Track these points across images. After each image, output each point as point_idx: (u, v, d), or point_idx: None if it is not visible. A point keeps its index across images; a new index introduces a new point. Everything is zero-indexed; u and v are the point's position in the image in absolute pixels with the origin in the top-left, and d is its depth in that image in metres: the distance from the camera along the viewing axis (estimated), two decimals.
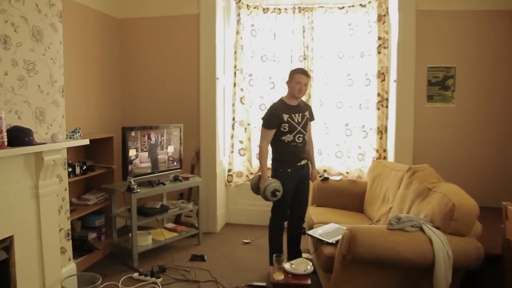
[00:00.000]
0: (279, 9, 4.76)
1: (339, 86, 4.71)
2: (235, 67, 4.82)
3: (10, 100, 2.55)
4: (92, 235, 3.85)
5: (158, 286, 3.30)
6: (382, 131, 4.53)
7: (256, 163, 4.81)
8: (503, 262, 2.72)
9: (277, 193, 3.25)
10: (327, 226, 3.24)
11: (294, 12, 4.70)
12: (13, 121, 2.54)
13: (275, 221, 3.49)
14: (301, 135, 3.39)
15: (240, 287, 3.31)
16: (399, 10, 4.26)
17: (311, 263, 2.71)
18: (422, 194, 2.90)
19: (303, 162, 3.46)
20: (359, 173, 4.66)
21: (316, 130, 4.64)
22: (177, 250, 4.10)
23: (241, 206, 5.02)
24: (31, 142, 2.46)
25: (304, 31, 4.66)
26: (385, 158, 4.52)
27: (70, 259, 3.25)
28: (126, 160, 3.72)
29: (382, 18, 4.45)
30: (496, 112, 4.26)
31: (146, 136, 3.90)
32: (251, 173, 4.94)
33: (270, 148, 3.48)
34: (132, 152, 3.74)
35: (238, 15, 4.78)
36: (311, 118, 3.56)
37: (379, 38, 4.46)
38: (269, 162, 3.53)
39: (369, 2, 4.50)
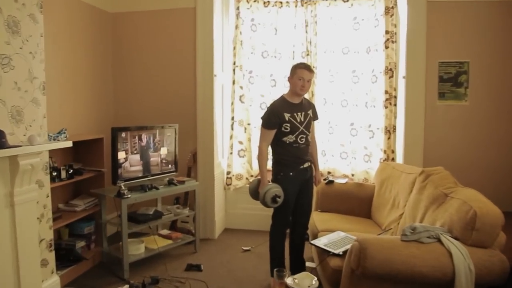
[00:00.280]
0: (281, 2, 4.55)
1: (344, 84, 4.49)
2: (234, 63, 4.61)
3: None
4: (80, 244, 3.60)
5: None
6: (390, 131, 4.28)
7: (256, 165, 4.55)
8: None
9: (278, 199, 2.99)
10: (332, 235, 2.99)
11: (296, 6, 4.49)
12: None
13: (276, 229, 3.23)
14: (304, 136, 3.13)
15: None
16: (408, 2, 4.03)
17: (316, 278, 2.45)
18: (438, 200, 2.66)
19: (306, 165, 3.20)
20: (365, 175, 4.42)
21: (320, 130, 4.47)
22: (172, 259, 3.85)
23: (241, 211, 4.78)
24: (3, 145, 2.21)
25: (307, 26, 4.45)
26: (393, 159, 4.28)
27: (53, 272, 3.00)
28: (116, 163, 3.47)
29: (389, 10, 4.22)
30: None
31: (136, 137, 3.64)
32: (251, 176, 4.70)
33: (270, 150, 3.23)
34: (121, 155, 3.49)
35: (237, 8, 4.58)
36: (315, 117, 3.31)
37: (387, 32, 4.23)
38: (269, 164, 3.29)
39: None
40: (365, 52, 4.38)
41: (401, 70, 4.19)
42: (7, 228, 2.37)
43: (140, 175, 3.69)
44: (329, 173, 4.54)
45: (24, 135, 2.62)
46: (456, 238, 2.28)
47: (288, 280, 2.49)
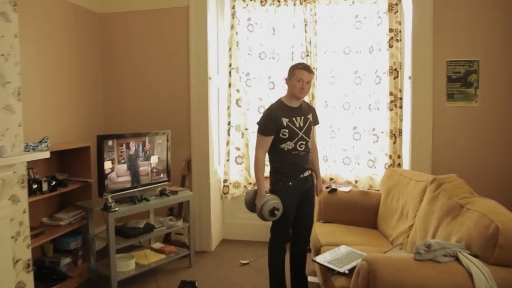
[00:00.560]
0: (279, 0, 4.33)
1: (346, 85, 4.27)
2: (230, 65, 4.39)
3: None
4: (65, 260, 3.34)
5: None
6: (395, 135, 4.04)
7: None
8: None
9: (276, 212, 2.75)
10: (337, 250, 2.75)
11: (295, 4, 4.28)
12: None
13: (275, 243, 2.99)
14: (304, 142, 2.89)
15: None
16: None
17: None
18: (452, 211, 2.42)
19: (306, 174, 2.96)
20: (370, 181, 4.18)
21: (321, 135, 4.26)
22: (164, 274, 3.60)
23: (239, 220, 4.54)
24: None
25: (306, 25, 4.24)
26: (399, 165, 4.04)
27: None
28: (102, 174, 3.23)
29: (393, 7, 4.00)
30: None
31: (124, 146, 3.40)
32: (250, 184, 4.46)
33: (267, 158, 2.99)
34: (107, 165, 3.25)
35: (233, 7, 4.37)
36: (315, 121, 3.08)
37: (391, 30, 4.00)
38: (267, 170, 3.04)
39: None
40: (367, 51, 4.17)
41: (407, 70, 3.96)
42: None
43: (128, 186, 3.44)
44: (331, 179, 4.31)
45: None
46: (475, 256, 2.04)
47: None
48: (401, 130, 4.04)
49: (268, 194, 2.85)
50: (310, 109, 3.07)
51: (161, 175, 3.77)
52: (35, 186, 3.00)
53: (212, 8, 4.24)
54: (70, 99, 3.89)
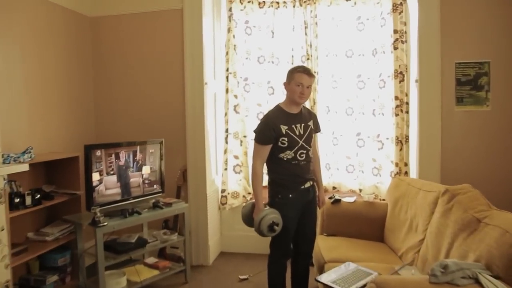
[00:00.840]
0: (277, 2, 4.17)
1: (349, 90, 4.09)
2: (227, 70, 4.21)
3: None
4: (52, 278, 3.15)
5: None
6: (402, 141, 3.84)
7: None
8: None
9: (276, 227, 2.55)
10: (342, 268, 2.53)
11: (294, 6, 4.12)
12: None
13: (275, 260, 2.79)
14: (304, 151, 2.69)
15: None
16: None
17: None
18: (469, 226, 2.22)
19: (308, 185, 2.76)
20: (375, 190, 3.98)
21: (323, 141, 4.08)
22: None
23: (238, 232, 4.32)
24: None
25: (306, 27, 4.07)
26: (406, 173, 3.84)
27: None
28: (90, 187, 3.03)
29: (398, 7, 3.82)
30: None
31: (113, 156, 3.20)
32: (249, 193, 4.26)
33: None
34: (95, 176, 3.05)
35: (230, 10, 4.20)
36: (317, 129, 2.89)
37: (395, 32, 3.82)
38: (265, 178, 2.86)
39: None
40: (371, 54, 3.99)
41: (413, 73, 3.77)
42: None
43: (118, 198, 3.25)
44: (334, 188, 4.12)
45: None
46: (497, 277, 1.83)
47: None
48: (407, 136, 3.84)
49: (267, 208, 2.66)
50: (311, 116, 2.88)
51: (154, 186, 3.57)
52: (17, 200, 2.81)
53: (208, 10, 4.07)
54: (58, 107, 3.71)
